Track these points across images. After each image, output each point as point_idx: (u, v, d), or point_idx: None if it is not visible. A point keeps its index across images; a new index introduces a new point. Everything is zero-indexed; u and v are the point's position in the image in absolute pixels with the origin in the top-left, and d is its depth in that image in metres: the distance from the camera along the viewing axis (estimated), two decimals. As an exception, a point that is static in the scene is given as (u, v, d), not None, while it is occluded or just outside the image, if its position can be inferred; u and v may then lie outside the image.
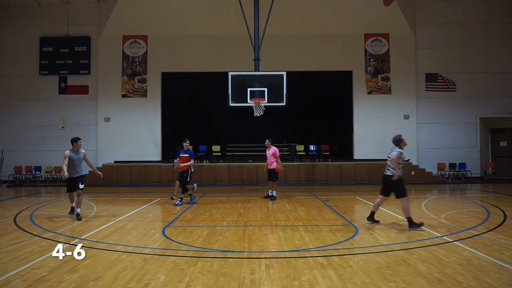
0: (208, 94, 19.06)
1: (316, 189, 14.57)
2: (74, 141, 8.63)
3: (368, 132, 18.03)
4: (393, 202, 10.73)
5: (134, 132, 18.15)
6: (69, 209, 9.13)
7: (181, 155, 10.68)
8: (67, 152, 8.56)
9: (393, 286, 4.31)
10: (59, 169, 17.99)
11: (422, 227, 7.12)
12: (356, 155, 18.18)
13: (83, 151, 8.75)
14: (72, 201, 9.11)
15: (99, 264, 5.17)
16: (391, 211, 9.36)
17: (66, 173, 8.34)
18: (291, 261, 5.26)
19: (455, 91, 18.20)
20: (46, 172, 17.94)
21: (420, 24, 18.34)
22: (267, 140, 11.85)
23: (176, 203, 10.54)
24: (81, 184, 8.56)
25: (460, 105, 18.15)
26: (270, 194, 11.75)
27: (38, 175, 17.93)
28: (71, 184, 8.71)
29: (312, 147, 18.98)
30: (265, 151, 12.15)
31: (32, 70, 18.39)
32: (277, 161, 11.51)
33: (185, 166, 10.52)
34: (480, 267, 4.89)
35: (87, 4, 18.34)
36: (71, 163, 8.50)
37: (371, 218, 7.78)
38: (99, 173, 8.99)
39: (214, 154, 18.29)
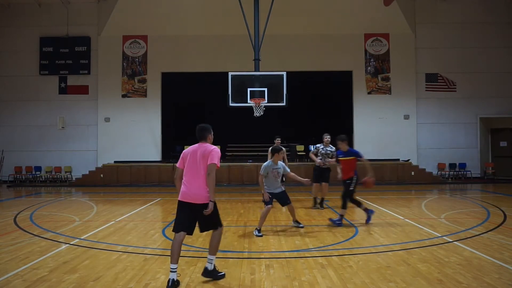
0: (208, 94, 19.02)
1: (316, 189, 14.52)
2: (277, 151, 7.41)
3: (368, 132, 18.01)
4: (394, 202, 10.76)
5: (134, 132, 18.12)
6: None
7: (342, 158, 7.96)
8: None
9: (393, 286, 4.31)
10: (59, 169, 18.03)
11: None
12: (356, 155, 18.13)
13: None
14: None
15: (99, 264, 5.17)
16: (391, 211, 9.36)
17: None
18: (291, 261, 5.26)
19: (455, 91, 18.19)
20: (46, 172, 17.93)
21: (420, 24, 18.32)
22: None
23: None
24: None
25: (460, 105, 18.14)
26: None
27: (38, 175, 17.91)
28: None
29: (312, 147, 18.94)
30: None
31: (32, 70, 18.36)
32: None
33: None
34: (480, 267, 4.88)
35: (87, 4, 18.32)
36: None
37: None
38: None
39: (214, 154, 18.25)
